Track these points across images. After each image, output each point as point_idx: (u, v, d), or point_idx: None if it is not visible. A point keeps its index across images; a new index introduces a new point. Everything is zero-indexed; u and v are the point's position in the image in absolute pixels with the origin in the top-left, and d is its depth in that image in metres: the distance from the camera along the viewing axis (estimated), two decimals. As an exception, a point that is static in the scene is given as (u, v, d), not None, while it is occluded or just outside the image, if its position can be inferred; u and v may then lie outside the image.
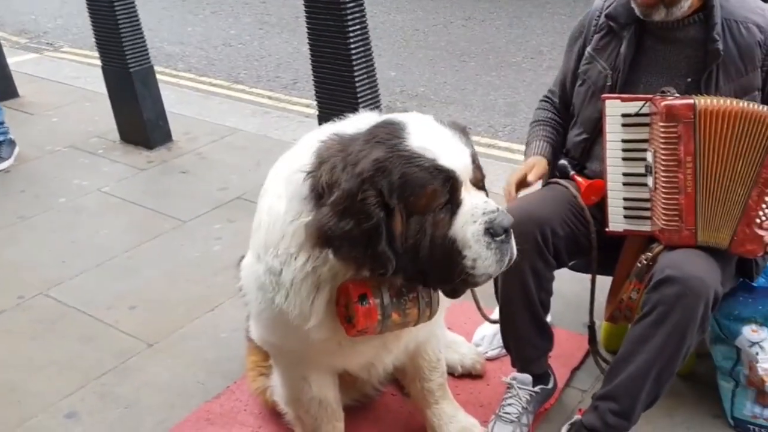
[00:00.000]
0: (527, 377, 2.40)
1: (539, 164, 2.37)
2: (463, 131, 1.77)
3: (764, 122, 1.98)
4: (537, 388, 2.40)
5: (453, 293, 1.81)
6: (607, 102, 2.17)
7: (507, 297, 2.31)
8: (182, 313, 3.12)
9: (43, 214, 4.03)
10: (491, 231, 1.66)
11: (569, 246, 2.25)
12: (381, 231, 1.60)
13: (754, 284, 2.21)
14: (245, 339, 2.46)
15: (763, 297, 2.21)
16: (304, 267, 1.72)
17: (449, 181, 1.63)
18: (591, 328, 2.43)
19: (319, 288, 1.75)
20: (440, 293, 1.83)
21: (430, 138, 1.65)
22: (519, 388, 2.39)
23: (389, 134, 1.65)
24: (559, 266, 2.30)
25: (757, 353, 2.22)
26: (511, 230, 1.74)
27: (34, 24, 8.32)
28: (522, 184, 2.35)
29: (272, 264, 1.76)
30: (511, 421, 2.34)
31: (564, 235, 2.22)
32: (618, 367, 2.13)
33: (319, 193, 1.66)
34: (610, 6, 2.30)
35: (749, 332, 2.23)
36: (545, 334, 2.39)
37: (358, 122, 1.78)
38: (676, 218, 2.06)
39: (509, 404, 2.38)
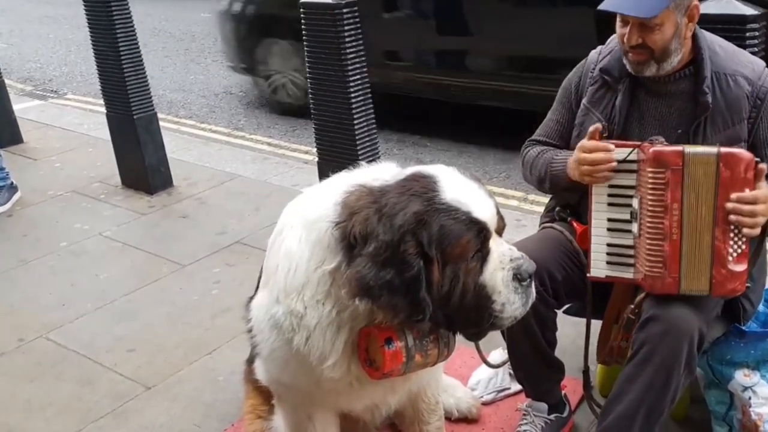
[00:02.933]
0: (543, 405, 2.46)
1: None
2: (481, 182, 1.86)
3: (707, 161, 2.01)
4: (552, 416, 2.46)
5: (477, 336, 1.91)
6: None
7: (513, 341, 2.37)
8: (180, 356, 3.14)
9: (44, 258, 4.06)
10: (518, 276, 1.77)
11: (566, 288, 2.30)
12: (421, 279, 1.68)
13: (745, 329, 2.24)
14: (243, 382, 2.48)
15: (755, 341, 2.24)
16: (331, 313, 1.79)
17: (482, 232, 1.73)
18: (585, 373, 2.46)
19: (340, 329, 1.81)
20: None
21: (462, 191, 1.75)
22: (535, 415, 2.44)
23: (424, 188, 1.73)
24: (560, 306, 2.34)
25: (749, 397, 2.25)
26: (533, 275, 1.84)
27: (40, 72, 8.48)
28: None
29: (295, 307, 1.81)
30: None
31: (561, 278, 2.26)
32: (609, 407, 2.17)
33: (350, 243, 1.72)
34: (603, 59, 2.35)
35: (741, 377, 2.26)
36: (555, 367, 2.44)
37: (379, 173, 1.84)
38: (660, 265, 2.07)
39: (524, 429, 2.43)
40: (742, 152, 2.02)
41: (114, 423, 2.78)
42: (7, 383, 3.04)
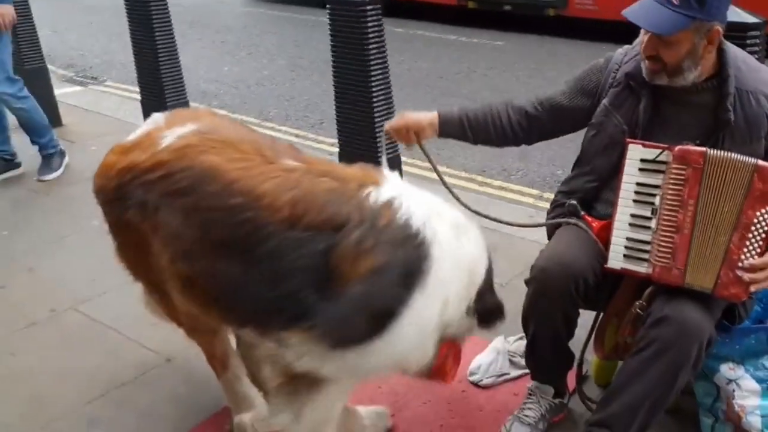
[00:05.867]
0: (549, 388, 2.58)
1: (432, 125, 2.60)
2: None
3: (743, 169, 2.10)
4: (556, 400, 2.58)
5: None
6: (630, 146, 2.28)
7: (537, 337, 2.45)
8: (201, 331, 3.30)
9: (77, 235, 4.27)
10: None
11: (595, 290, 2.35)
12: None
13: (730, 325, 2.32)
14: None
15: (739, 337, 2.32)
16: None
17: None
18: (580, 366, 2.57)
19: None
20: None
21: None
22: (541, 396, 2.56)
23: None
24: (585, 307, 2.41)
25: (733, 390, 2.33)
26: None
27: (81, 59, 8.76)
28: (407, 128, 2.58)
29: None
30: (529, 424, 2.52)
31: (593, 284, 2.32)
32: (613, 396, 2.26)
33: None
34: (629, 62, 2.39)
35: (727, 370, 2.34)
36: (567, 358, 2.55)
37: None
38: (669, 256, 2.18)
39: (529, 408, 2.55)
40: None
41: (136, 390, 2.95)
42: (39, 350, 3.23)
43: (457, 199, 2.46)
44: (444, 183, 2.54)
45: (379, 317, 1.84)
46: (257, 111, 6.78)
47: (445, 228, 1.95)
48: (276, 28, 10.05)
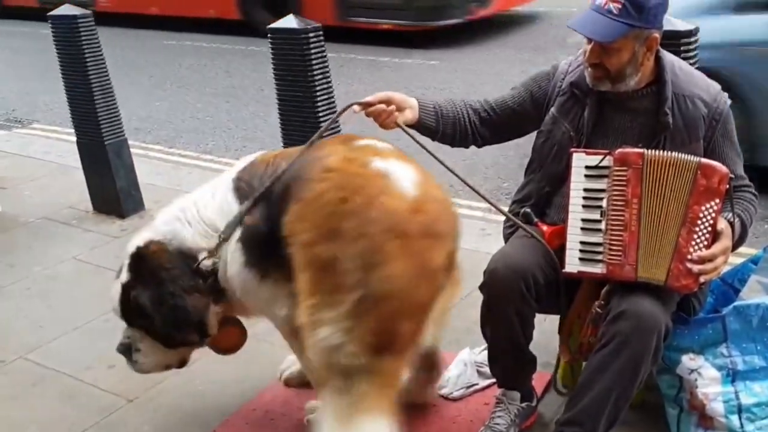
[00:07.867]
0: (516, 393, 2.63)
1: (413, 109, 2.57)
2: None
3: (687, 167, 2.24)
4: (524, 405, 2.63)
5: None
6: (574, 155, 2.38)
7: (496, 341, 2.53)
8: (160, 370, 3.22)
9: (19, 283, 4.11)
10: None
11: (547, 290, 2.44)
12: None
13: (688, 317, 2.43)
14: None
15: (697, 328, 2.43)
16: None
17: None
18: (557, 362, 2.68)
19: None
20: None
21: None
22: (509, 403, 2.61)
23: None
24: (540, 308, 2.49)
25: (695, 379, 2.44)
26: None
27: (2, 102, 8.47)
28: (389, 103, 2.53)
29: None
30: None
31: (543, 282, 2.40)
32: (580, 393, 2.33)
33: None
34: (573, 71, 2.52)
35: (688, 361, 2.44)
36: (530, 361, 2.62)
37: None
38: (620, 254, 2.28)
39: (499, 416, 2.59)
40: (719, 166, 2.24)
41: (99, 435, 2.87)
42: (-11, 403, 3.10)
43: (457, 176, 2.55)
44: (442, 163, 2.52)
45: None
46: (195, 144, 6.70)
47: None
48: (204, 59, 9.96)
